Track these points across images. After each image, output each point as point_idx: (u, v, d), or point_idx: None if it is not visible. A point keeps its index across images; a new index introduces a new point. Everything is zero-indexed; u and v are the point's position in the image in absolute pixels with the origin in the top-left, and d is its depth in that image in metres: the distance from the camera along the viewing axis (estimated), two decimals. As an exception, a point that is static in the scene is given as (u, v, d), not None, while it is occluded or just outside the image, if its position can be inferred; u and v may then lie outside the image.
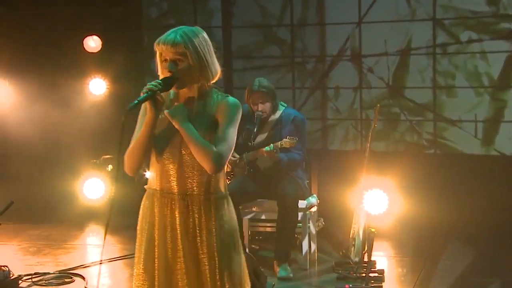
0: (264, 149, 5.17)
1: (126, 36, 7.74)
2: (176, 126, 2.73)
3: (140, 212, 2.91)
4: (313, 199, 5.62)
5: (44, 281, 5.10)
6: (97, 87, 7.59)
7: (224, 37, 7.66)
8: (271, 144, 5.16)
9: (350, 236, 5.38)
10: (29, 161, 7.55)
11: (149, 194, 2.89)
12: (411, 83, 7.11)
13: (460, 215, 6.32)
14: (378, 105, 5.44)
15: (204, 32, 2.84)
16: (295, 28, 7.44)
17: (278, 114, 5.40)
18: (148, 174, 2.92)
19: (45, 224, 6.87)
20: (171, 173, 2.81)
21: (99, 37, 7.52)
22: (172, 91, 2.82)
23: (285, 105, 5.49)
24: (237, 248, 2.88)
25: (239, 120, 2.83)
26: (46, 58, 7.52)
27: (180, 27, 2.78)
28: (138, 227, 2.91)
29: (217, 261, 2.79)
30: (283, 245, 5.25)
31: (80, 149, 7.48)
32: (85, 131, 7.64)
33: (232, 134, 2.79)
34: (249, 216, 5.51)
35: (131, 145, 2.79)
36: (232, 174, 5.61)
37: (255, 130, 5.29)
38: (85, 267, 5.48)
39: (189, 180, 2.80)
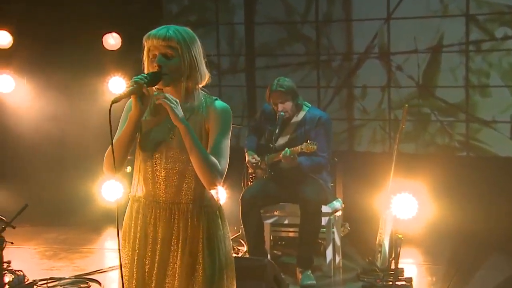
0: (281, 154, 5.14)
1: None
2: (182, 130, 2.64)
3: (124, 221, 2.82)
4: (338, 203, 5.58)
5: (59, 286, 5.15)
6: (117, 85, 7.63)
7: (246, 34, 7.65)
8: (287, 149, 5.11)
9: (377, 242, 5.33)
10: (46, 161, 7.62)
11: (133, 202, 2.81)
12: (442, 82, 7.03)
13: (494, 221, 6.24)
14: (407, 105, 5.38)
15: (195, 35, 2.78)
16: (321, 24, 7.40)
17: (302, 114, 5.38)
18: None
19: (61, 227, 6.95)
20: (157, 179, 2.73)
21: (118, 34, 7.56)
22: (155, 92, 2.72)
23: (309, 105, 5.46)
24: (228, 265, 2.77)
25: (231, 127, 2.76)
26: (65, 56, 7.58)
27: (171, 25, 2.75)
28: (121, 241, 2.80)
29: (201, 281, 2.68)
30: (306, 251, 5.22)
31: (99, 149, 7.49)
32: (103, 131, 7.66)
33: (227, 145, 2.73)
34: (271, 221, 5.50)
35: (112, 143, 2.71)
36: (253, 176, 5.60)
37: (276, 131, 5.26)
38: (102, 272, 5.52)
39: (177, 188, 2.73)
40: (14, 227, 4.90)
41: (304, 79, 7.37)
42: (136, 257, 2.74)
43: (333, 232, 5.48)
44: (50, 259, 5.93)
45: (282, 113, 5.28)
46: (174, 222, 2.72)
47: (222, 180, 2.69)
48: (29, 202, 6.99)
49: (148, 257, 2.73)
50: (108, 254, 6.26)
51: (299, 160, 5.18)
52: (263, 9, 7.58)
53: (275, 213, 5.50)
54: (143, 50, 2.76)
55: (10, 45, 7.53)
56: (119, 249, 2.68)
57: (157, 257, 2.72)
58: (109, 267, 5.63)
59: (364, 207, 6.12)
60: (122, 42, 7.60)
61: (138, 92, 2.60)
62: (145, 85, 2.60)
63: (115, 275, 5.49)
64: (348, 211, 6.12)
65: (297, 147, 5.13)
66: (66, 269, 5.57)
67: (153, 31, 2.72)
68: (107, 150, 2.72)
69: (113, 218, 7.76)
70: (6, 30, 7.50)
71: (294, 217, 5.36)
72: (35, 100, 7.65)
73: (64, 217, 7.22)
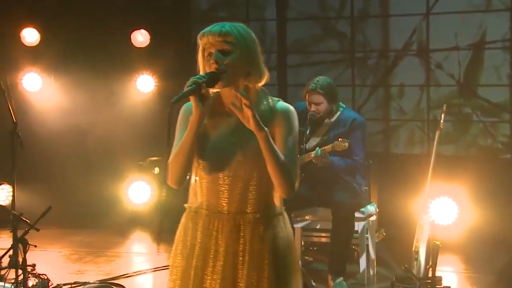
0: (312, 153, 5.14)
1: (175, 30, 7.82)
2: (261, 138, 2.53)
3: (178, 233, 2.74)
4: (372, 208, 5.56)
5: (83, 291, 5.22)
6: (145, 84, 7.71)
7: (278, 30, 7.66)
8: (318, 149, 5.10)
9: (413, 249, 5.29)
10: (73, 162, 7.70)
11: (191, 213, 2.73)
12: (485, 81, 6.95)
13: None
14: (445, 105, 5.34)
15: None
16: (356, 20, 7.37)
17: (336, 115, 5.36)
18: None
19: (87, 230, 7.04)
20: (220, 188, 2.65)
21: (147, 31, 7.63)
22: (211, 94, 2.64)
23: (344, 105, 5.44)
24: (294, 274, 2.70)
25: (297, 128, 2.70)
26: (92, 54, 7.67)
27: (225, 22, 2.67)
28: (173, 251, 2.74)
29: None
30: (338, 258, 5.20)
31: (126, 150, 7.61)
32: (131, 131, 7.76)
33: (296, 150, 2.67)
34: (302, 225, 5.50)
35: (173, 154, 2.62)
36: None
37: (307, 132, 5.26)
38: (128, 276, 5.56)
39: (242, 197, 2.65)
40: (38, 230, 4.97)
41: (338, 77, 7.34)
42: (192, 271, 2.66)
43: (367, 238, 5.45)
44: (75, 262, 6.02)
45: (313, 113, 5.26)
46: (239, 234, 2.64)
47: (295, 189, 2.63)
48: (55, 203, 7.10)
49: (209, 272, 2.65)
50: (135, 258, 6.33)
51: (331, 160, 5.16)
52: (295, 4, 7.58)
53: (306, 217, 5.49)
54: (197, 50, 2.65)
55: (38, 42, 7.67)
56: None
57: (219, 271, 2.64)
58: (136, 272, 5.68)
59: (401, 212, 6.08)
60: (150, 39, 7.67)
61: (197, 93, 2.52)
62: (203, 84, 2.53)
63: (141, 280, 5.56)
64: (383, 216, 6.08)
65: (328, 146, 5.12)
66: (91, 273, 5.63)
67: (207, 28, 2.63)
68: (169, 160, 2.63)
69: (141, 221, 7.82)
70: (34, 27, 7.62)
71: (326, 222, 5.34)
72: (62, 99, 7.76)
73: (90, 219, 7.31)
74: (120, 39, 7.67)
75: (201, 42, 2.63)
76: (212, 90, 2.62)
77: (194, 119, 2.57)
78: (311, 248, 6.09)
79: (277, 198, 2.70)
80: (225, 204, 2.65)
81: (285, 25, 7.64)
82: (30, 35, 7.65)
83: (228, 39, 2.58)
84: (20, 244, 4.63)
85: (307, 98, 5.28)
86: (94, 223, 7.22)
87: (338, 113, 5.36)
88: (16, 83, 7.62)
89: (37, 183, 7.54)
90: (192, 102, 2.54)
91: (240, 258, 2.63)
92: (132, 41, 7.67)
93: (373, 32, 7.31)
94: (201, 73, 2.63)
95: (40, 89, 7.72)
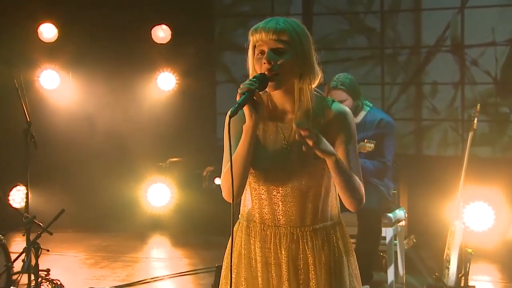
0: None
1: (197, 25, 7.85)
2: (330, 163, 2.49)
3: (229, 244, 2.65)
4: (401, 213, 5.52)
5: (98, 297, 5.28)
6: (166, 82, 7.75)
7: (304, 25, 7.63)
8: None
9: (444, 257, 5.24)
10: (90, 163, 7.76)
11: (244, 226, 2.68)
12: (524, 79, 6.89)
13: None
14: (479, 104, 5.28)
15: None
16: (386, 14, 7.34)
17: (361, 115, 5.34)
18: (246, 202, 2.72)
19: (104, 234, 7.10)
20: (274, 200, 2.60)
21: (168, 26, 7.67)
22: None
23: (371, 105, 5.42)
24: (358, 280, 2.70)
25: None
26: (112, 50, 7.72)
27: (279, 17, 2.59)
28: (225, 261, 2.72)
29: None
30: (364, 265, 5.13)
31: (145, 150, 7.65)
32: (150, 131, 7.81)
33: (358, 157, 2.63)
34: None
35: (227, 166, 2.53)
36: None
37: (333, 132, 5.25)
38: (145, 283, 5.59)
39: (299, 208, 2.59)
40: (51, 233, 5.03)
41: (367, 75, 7.33)
42: (260, 282, 2.63)
43: (396, 245, 5.42)
44: (91, 267, 6.07)
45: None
46: (298, 248, 2.60)
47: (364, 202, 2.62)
48: (72, 206, 7.22)
49: (275, 284, 2.62)
50: (153, 263, 6.36)
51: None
52: (322, -2, 7.60)
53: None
54: (247, 46, 2.58)
55: (55, 38, 7.74)
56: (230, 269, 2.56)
57: (285, 285, 2.60)
58: (153, 278, 5.71)
59: (432, 217, 6.04)
60: (172, 35, 7.71)
61: (250, 100, 2.46)
62: (257, 90, 2.47)
63: (160, 287, 5.57)
64: (414, 221, 6.04)
65: None
66: (107, 279, 5.68)
67: (260, 24, 2.54)
68: (223, 173, 2.59)
69: (160, 225, 7.84)
70: (52, 23, 7.69)
71: (353, 227, 5.32)
72: (79, 97, 7.83)
73: (107, 222, 7.38)
74: (140, 35, 7.73)
75: (252, 38, 2.55)
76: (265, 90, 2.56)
77: (249, 127, 2.51)
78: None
79: (335, 207, 2.68)
80: (281, 217, 2.61)
81: (311, 20, 7.63)
82: (48, 31, 7.73)
83: (282, 38, 2.51)
84: (32, 248, 4.67)
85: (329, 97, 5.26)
86: (111, 226, 7.29)
87: (365, 113, 5.34)
88: (32, 81, 7.71)
89: (53, 184, 7.62)
90: (245, 111, 2.49)
91: (303, 272, 2.60)
92: (152, 37, 7.72)
93: (404, 27, 7.26)
94: (250, 71, 2.59)
95: (57, 87, 7.79)
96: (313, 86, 2.59)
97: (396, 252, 5.40)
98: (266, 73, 2.50)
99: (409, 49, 7.29)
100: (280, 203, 2.59)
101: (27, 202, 5.23)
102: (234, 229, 2.71)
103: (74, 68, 7.86)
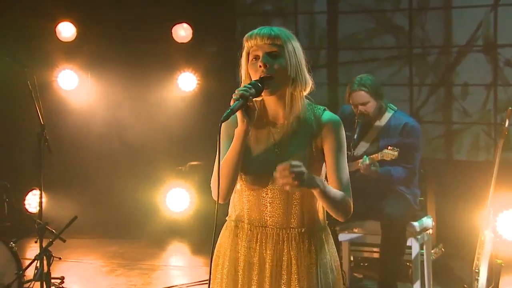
0: (359, 162, 5.11)
1: (219, 24, 7.87)
2: (317, 193, 2.63)
3: (218, 245, 2.86)
4: (428, 221, 5.50)
5: (111, 307, 5.33)
6: (187, 82, 7.77)
7: (328, 24, 7.64)
8: (365, 157, 5.08)
9: (473, 268, 5.20)
10: (107, 166, 7.80)
11: (231, 226, 2.84)
12: (560, 79, 6.81)
13: None
14: (510, 108, 5.22)
15: None
16: (415, 13, 7.29)
17: (386, 118, 5.33)
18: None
19: (121, 240, 7.14)
20: (263, 201, 2.76)
21: (189, 25, 7.69)
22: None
23: (395, 108, 5.40)
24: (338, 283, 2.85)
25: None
26: (131, 50, 7.79)
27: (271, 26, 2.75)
28: (213, 263, 2.81)
29: None
30: (388, 276, 5.17)
31: (164, 154, 7.69)
32: (171, 133, 7.83)
33: (347, 168, 2.76)
34: (350, 239, 5.47)
35: (216, 169, 2.66)
36: (330, 188, 5.58)
37: (355, 137, 5.24)
38: (162, 291, 5.65)
39: (285, 211, 2.75)
40: (64, 240, 5.09)
41: (394, 75, 7.29)
42: (239, 285, 2.78)
43: (422, 254, 5.39)
44: (106, 275, 6.12)
45: (362, 116, 5.24)
46: (283, 249, 2.75)
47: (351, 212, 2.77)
48: (88, 211, 7.29)
49: (256, 285, 2.76)
50: (171, 271, 6.39)
51: (388, 171, 5.13)
52: (348, -4, 7.58)
53: (355, 230, 5.46)
54: (241, 53, 2.75)
55: (74, 37, 7.81)
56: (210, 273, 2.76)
57: (266, 285, 2.75)
58: (171, 287, 5.73)
59: (463, 226, 5.99)
60: (193, 33, 7.72)
61: (244, 106, 2.62)
62: (251, 97, 2.61)
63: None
64: (443, 230, 6.01)
65: (376, 154, 5.10)
66: (122, 288, 5.73)
67: (254, 30, 2.72)
68: (213, 176, 2.71)
69: (179, 231, 7.87)
70: (70, 22, 7.76)
71: (376, 236, 5.31)
72: (99, 98, 7.89)
73: (124, 228, 7.42)
74: (161, 34, 7.76)
75: (247, 44, 2.73)
76: (257, 99, 2.72)
77: (241, 132, 2.66)
78: (361, 264, 6.04)
79: (321, 212, 2.82)
80: (268, 218, 2.77)
81: (336, 18, 7.61)
82: (66, 30, 7.81)
83: (277, 42, 2.67)
84: (44, 256, 4.72)
85: (351, 101, 5.26)
86: (129, 232, 7.33)
87: (389, 116, 5.32)
88: (50, 81, 7.80)
89: (70, 188, 7.68)
90: (238, 116, 2.64)
91: (284, 276, 2.74)
92: (173, 36, 7.75)
93: (433, 26, 7.20)
94: (243, 77, 2.76)
95: (75, 88, 7.86)
96: (305, 93, 2.76)
97: (422, 262, 5.37)
98: (262, 76, 2.66)
99: (438, 49, 7.22)
100: (268, 204, 2.76)
101: (40, 208, 5.27)
102: (222, 230, 2.86)
103: (92, 68, 7.92)
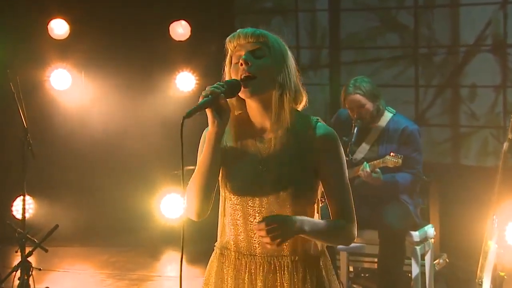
0: (360, 169, 5.14)
1: (218, 21, 7.89)
2: (306, 236, 2.57)
3: (206, 273, 2.74)
4: (430, 230, 5.51)
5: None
6: (185, 82, 7.78)
7: (330, 22, 7.66)
8: (366, 163, 5.11)
9: (476, 280, 5.22)
10: (101, 171, 7.81)
11: (217, 254, 2.70)
12: None
13: None
14: (515, 113, 5.24)
15: None
16: (420, 10, 7.31)
17: (384, 121, 5.36)
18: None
19: (113, 248, 7.15)
20: (251, 227, 2.59)
21: (187, 22, 7.72)
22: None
23: (394, 111, 5.43)
24: None
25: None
26: (127, 48, 7.79)
27: None
28: None
29: None
30: (387, 287, 5.19)
31: (160, 157, 7.68)
32: (167, 136, 7.82)
33: (349, 184, 2.64)
34: (348, 249, 5.50)
35: (192, 177, 2.61)
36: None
37: (352, 142, 5.27)
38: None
39: None
40: (46, 250, 5.13)
41: (399, 76, 7.31)
42: None
43: (423, 265, 5.41)
44: (94, 286, 6.15)
45: (359, 120, 5.27)
46: (275, 279, 2.61)
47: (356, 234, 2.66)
48: (81, 217, 7.32)
49: None
50: (165, 282, 6.40)
51: (395, 178, 5.16)
52: (351, -7, 7.60)
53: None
54: (225, 55, 2.65)
55: (67, 35, 7.82)
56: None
57: None
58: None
59: (469, 235, 5.97)
60: (191, 31, 7.75)
61: (214, 104, 2.50)
62: (222, 94, 2.50)
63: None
64: (447, 239, 6.01)
65: (378, 161, 5.13)
66: (108, 300, 5.77)
67: (238, 30, 2.63)
68: (187, 189, 2.62)
69: (174, 240, 7.90)
70: (63, 19, 7.79)
71: (374, 246, 5.34)
72: (93, 98, 7.89)
73: (117, 236, 7.42)
74: (158, 32, 7.78)
75: (229, 47, 2.62)
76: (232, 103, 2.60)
77: (211, 134, 2.54)
78: (362, 274, 6.06)
79: None
80: (257, 245, 2.61)
81: (339, 16, 7.63)
82: (59, 27, 7.80)
83: (261, 40, 2.57)
84: (23, 267, 4.77)
85: (346, 105, 5.30)
86: (120, 240, 7.32)
87: (388, 118, 5.35)
88: (42, 81, 7.81)
89: (62, 193, 7.69)
90: (208, 116, 2.52)
91: None
92: (171, 33, 7.76)
93: (440, 25, 7.21)
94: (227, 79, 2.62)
95: (69, 88, 7.84)
96: (297, 106, 2.63)
97: (424, 274, 5.39)
98: (243, 75, 2.54)
99: (445, 49, 7.24)
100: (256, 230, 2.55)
101: (23, 215, 5.34)
102: (211, 257, 2.74)
103: (87, 67, 7.92)
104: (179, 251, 2.59)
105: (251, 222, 2.59)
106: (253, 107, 2.61)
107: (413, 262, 5.35)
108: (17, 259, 5.47)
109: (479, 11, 7.03)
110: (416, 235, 5.32)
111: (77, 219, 7.38)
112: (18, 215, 7.32)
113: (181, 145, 2.52)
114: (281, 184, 2.56)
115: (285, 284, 2.60)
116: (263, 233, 2.44)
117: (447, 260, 5.95)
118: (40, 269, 5.02)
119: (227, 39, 2.63)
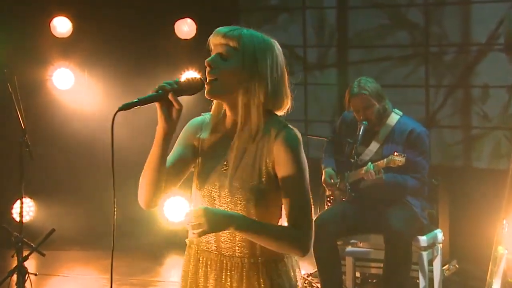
0: (363, 169, 5.17)
1: (224, 19, 7.91)
2: (241, 234, 2.60)
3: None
4: (438, 235, 5.52)
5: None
6: (192, 80, 7.81)
7: (338, 20, 7.66)
8: (370, 164, 5.14)
9: (486, 286, 5.22)
10: (104, 172, 7.83)
11: (187, 246, 2.81)
12: None
13: None
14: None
15: (278, 46, 2.68)
16: (431, 8, 7.29)
17: (391, 122, 5.37)
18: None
19: (115, 252, 7.13)
20: None
21: (193, 20, 7.75)
22: (208, 113, 2.75)
23: (401, 113, 5.44)
24: None
25: (306, 165, 2.62)
26: (131, 46, 7.83)
27: (250, 29, 2.71)
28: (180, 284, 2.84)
29: None
30: (392, 293, 5.22)
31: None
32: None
33: (308, 193, 2.61)
34: (354, 254, 5.53)
35: (143, 171, 2.70)
36: (331, 198, 5.64)
37: (358, 143, 5.29)
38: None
39: (230, 236, 2.66)
40: (43, 254, 5.16)
41: (408, 76, 7.30)
42: None
43: (431, 271, 5.43)
44: (94, 292, 6.18)
45: (365, 122, 5.29)
46: (226, 279, 2.67)
47: (311, 244, 2.60)
48: (82, 220, 7.33)
49: None
50: (167, 287, 6.40)
51: (403, 180, 5.19)
52: (359, -10, 7.60)
53: (360, 244, 5.52)
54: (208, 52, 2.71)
55: (70, 33, 7.86)
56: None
57: None
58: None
59: (480, 240, 5.97)
60: (197, 29, 7.77)
61: (164, 100, 2.58)
62: (171, 92, 2.56)
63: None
64: (457, 245, 6.02)
65: (381, 161, 5.14)
66: (108, 306, 5.76)
67: (216, 28, 2.69)
68: (140, 177, 2.71)
69: (177, 243, 7.90)
70: (66, 16, 7.83)
71: (380, 251, 5.35)
72: (96, 98, 7.90)
73: (119, 240, 7.37)
74: (163, 30, 7.81)
75: (209, 45, 2.72)
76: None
77: (159, 129, 2.63)
78: (370, 280, 6.08)
79: None
80: (213, 242, 2.68)
81: (347, 14, 7.62)
82: (61, 25, 7.86)
83: (231, 43, 2.62)
84: (19, 272, 4.80)
85: (351, 106, 5.31)
86: (123, 244, 7.20)
87: (394, 120, 5.36)
88: (44, 80, 7.84)
89: (64, 195, 7.70)
90: (158, 111, 2.61)
91: None
92: (176, 31, 7.80)
93: (451, 22, 7.18)
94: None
95: (71, 87, 7.87)
96: (277, 111, 2.67)
97: (432, 280, 5.40)
98: (207, 76, 2.60)
99: (456, 47, 7.21)
100: None
101: (21, 218, 5.37)
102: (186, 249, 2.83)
103: (90, 66, 7.94)
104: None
105: None
106: (226, 108, 2.69)
107: (420, 268, 5.36)
108: (14, 264, 5.53)
109: (491, 8, 7.00)
110: (423, 240, 5.34)
111: (78, 222, 7.40)
112: (19, 218, 7.38)
113: (111, 137, 2.67)
114: (236, 187, 2.62)
115: (234, 285, 2.65)
116: (187, 222, 2.52)
117: (457, 266, 5.97)
118: (36, 274, 5.04)
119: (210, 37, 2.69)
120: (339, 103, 7.33)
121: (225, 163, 2.66)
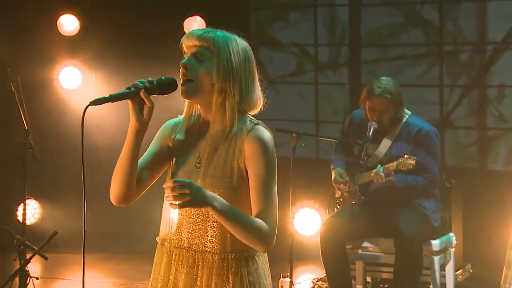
0: (372, 172, 5.17)
1: (233, 16, 7.93)
2: (213, 213, 2.66)
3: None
4: (450, 239, 5.52)
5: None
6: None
7: (351, 18, 7.68)
8: (379, 166, 5.14)
9: (500, 291, 5.23)
10: (106, 173, 7.86)
11: (159, 244, 2.91)
12: None
13: None
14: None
15: (250, 48, 2.82)
16: (446, 5, 7.29)
17: (399, 124, 5.36)
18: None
19: (119, 256, 7.22)
20: (181, 220, 2.78)
21: (202, 18, 7.77)
22: (182, 115, 2.86)
23: (409, 112, 5.44)
24: None
25: (276, 164, 2.73)
26: (139, 45, 7.86)
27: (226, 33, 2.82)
28: (150, 282, 2.92)
29: None
30: (403, 300, 5.22)
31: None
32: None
33: (275, 190, 2.72)
34: (365, 258, 5.54)
35: (118, 164, 2.80)
36: (341, 201, 5.65)
37: (367, 145, 5.29)
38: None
39: (201, 232, 2.75)
40: (46, 258, 5.19)
41: (423, 75, 7.30)
42: None
43: (443, 276, 5.43)
44: (96, 296, 6.20)
45: (374, 123, 5.28)
46: (197, 275, 2.75)
47: (274, 240, 2.70)
48: (87, 223, 7.34)
49: None
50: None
51: (395, 180, 5.18)
52: (372, -13, 7.61)
53: (370, 249, 5.53)
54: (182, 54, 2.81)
55: (77, 31, 7.89)
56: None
57: None
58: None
59: (494, 244, 5.98)
60: (206, 27, 7.77)
61: (136, 98, 2.67)
62: (143, 90, 2.66)
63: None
64: (471, 249, 6.02)
65: (391, 164, 5.14)
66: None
67: (189, 31, 2.80)
68: (114, 172, 2.82)
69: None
70: (73, 14, 7.86)
71: (391, 255, 5.36)
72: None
73: (124, 243, 7.50)
74: (172, 27, 7.81)
75: (183, 46, 2.80)
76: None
77: (131, 127, 2.74)
78: (381, 285, 6.09)
79: None
80: (185, 239, 2.77)
81: (360, 12, 7.65)
82: (69, 23, 7.88)
83: (205, 44, 2.73)
84: (21, 275, 4.82)
85: (369, 105, 5.29)
86: (128, 247, 7.38)
87: (403, 120, 5.36)
88: (51, 80, 7.89)
89: (70, 197, 7.74)
90: (130, 108, 2.70)
91: None
92: (185, 29, 7.81)
93: (466, 20, 7.19)
94: None
95: (79, 87, 7.91)
96: (250, 111, 2.79)
97: (444, 285, 5.40)
98: (182, 78, 2.70)
99: (472, 46, 7.22)
100: (186, 223, 2.76)
101: (24, 221, 5.42)
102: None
103: (98, 65, 7.99)
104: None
105: (183, 215, 2.77)
106: (201, 107, 2.81)
107: (431, 273, 5.37)
108: (17, 267, 5.58)
109: (508, 6, 7.00)
110: (436, 244, 5.34)
111: (83, 224, 7.40)
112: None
113: (81, 133, 2.76)
114: (208, 183, 2.71)
115: (203, 280, 2.73)
116: (169, 191, 2.55)
117: (471, 271, 5.96)
118: (37, 278, 5.08)
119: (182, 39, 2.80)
120: (351, 103, 7.35)
121: (198, 161, 2.77)
